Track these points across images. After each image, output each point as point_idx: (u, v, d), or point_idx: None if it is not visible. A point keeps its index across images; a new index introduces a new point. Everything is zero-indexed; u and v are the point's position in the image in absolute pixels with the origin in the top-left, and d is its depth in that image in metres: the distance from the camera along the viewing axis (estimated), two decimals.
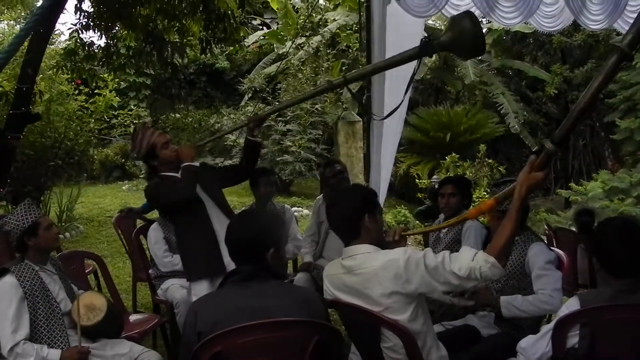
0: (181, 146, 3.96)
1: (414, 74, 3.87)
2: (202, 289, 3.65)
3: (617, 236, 2.51)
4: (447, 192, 4.36)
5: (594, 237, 2.64)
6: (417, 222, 10.03)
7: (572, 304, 2.50)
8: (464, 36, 3.15)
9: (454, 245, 4.18)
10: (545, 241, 6.02)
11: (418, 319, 2.53)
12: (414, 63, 5.76)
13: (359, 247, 2.63)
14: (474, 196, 8.81)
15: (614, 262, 2.49)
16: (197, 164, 3.84)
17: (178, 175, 3.78)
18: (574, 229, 5.92)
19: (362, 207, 2.66)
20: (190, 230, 3.79)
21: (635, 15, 5.52)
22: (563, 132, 2.45)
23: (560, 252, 4.01)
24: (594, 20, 5.55)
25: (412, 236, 4.68)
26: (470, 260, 2.41)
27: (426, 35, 3.68)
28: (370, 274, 2.51)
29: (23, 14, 15.08)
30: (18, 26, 15.76)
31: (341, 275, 2.65)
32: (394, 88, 5.36)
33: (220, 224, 3.73)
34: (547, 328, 2.54)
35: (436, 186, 9.55)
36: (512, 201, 2.48)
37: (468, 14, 3.23)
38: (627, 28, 5.80)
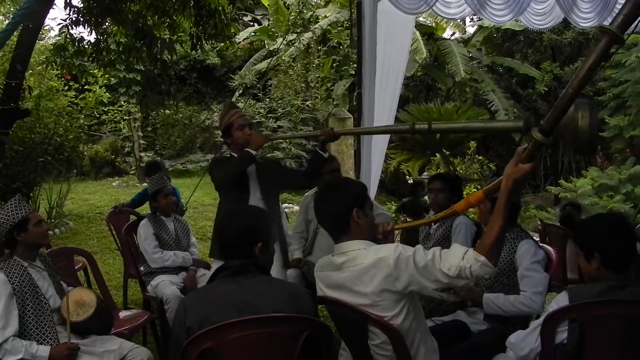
0: (255, 133, 4.03)
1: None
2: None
3: (617, 230, 2.53)
4: (435, 187, 4.36)
5: (588, 232, 2.63)
6: (400, 216, 10.05)
7: (561, 299, 2.50)
8: (572, 126, 2.65)
9: (444, 242, 4.19)
10: (538, 237, 6.08)
11: (408, 315, 2.49)
12: (405, 56, 5.81)
13: (350, 243, 2.57)
14: (464, 193, 8.84)
15: (614, 256, 2.49)
16: (255, 152, 3.91)
17: None
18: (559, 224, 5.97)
19: (352, 202, 2.58)
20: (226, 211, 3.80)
21: None
22: (552, 121, 2.33)
23: (550, 248, 4.02)
24: (584, 18, 5.58)
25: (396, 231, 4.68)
26: (460, 259, 2.34)
27: (531, 112, 3.40)
28: (360, 271, 2.47)
29: (12, 9, 14.98)
30: (7, 21, 15.65)
31: (330, 273, 2.61)
32: (384, 84, 5.38)
33: None
34: (536, 323, 2.55)
35: (410, 181, 9.60)
36: (499, 195, 2.37)
37: (589, 105, 2.66)
38: None
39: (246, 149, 3.85)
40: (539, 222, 6.69)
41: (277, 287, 2.48)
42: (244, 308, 2.29)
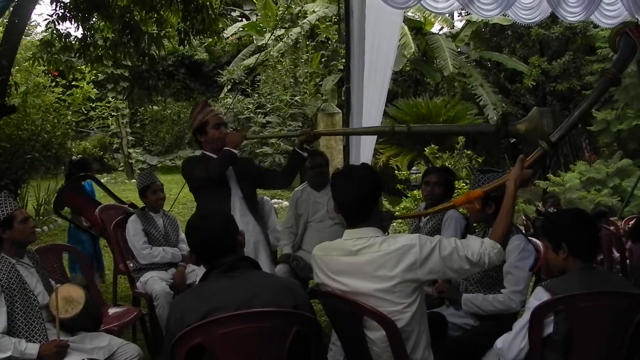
0: (232, 132, 4.03)
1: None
2: None
3: (580, 221, 2.67)
4: (432, 180, 4.35)
5: (554, 225, 2.75)
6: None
7: (540, 294, 2.52)
8: (538, 132, 3.28)
9: (434, 235, 4.18)
10: (524, 230, 6.09)
11: (420, 305, 2.55)
12: (393, 51, 5.82)
13: (367, 230, 2.59)
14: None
15: (580, 244, 2.60)
16: (237, 151, 3.89)
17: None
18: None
19: (379, 187, 2.67)
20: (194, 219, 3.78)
21: (611, 7, 5.61)
22: (558, 137, 2.97)
23: (538, 242, 4.03)
24: (572, 13, 5.61)
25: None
26: (479, 247, 2.56)
27: (502, 115, 3.94)
28: (383, 256, 2.49)
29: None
30: None
31: (340, 258, 2.59)
32: (372, 79, 5.37)
33: (240, 216, 3.81)
34: (519, 325, 2.56)
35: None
36: (506, 197, 2.76)
37: (552, 113, 3.38)
38: (603, 20, 5.89)
39: (227, 148, 3.81)
40: (523, 218, 6.72)
41: (272, 281, 2.52)
42: (242, 303, 2.27)
